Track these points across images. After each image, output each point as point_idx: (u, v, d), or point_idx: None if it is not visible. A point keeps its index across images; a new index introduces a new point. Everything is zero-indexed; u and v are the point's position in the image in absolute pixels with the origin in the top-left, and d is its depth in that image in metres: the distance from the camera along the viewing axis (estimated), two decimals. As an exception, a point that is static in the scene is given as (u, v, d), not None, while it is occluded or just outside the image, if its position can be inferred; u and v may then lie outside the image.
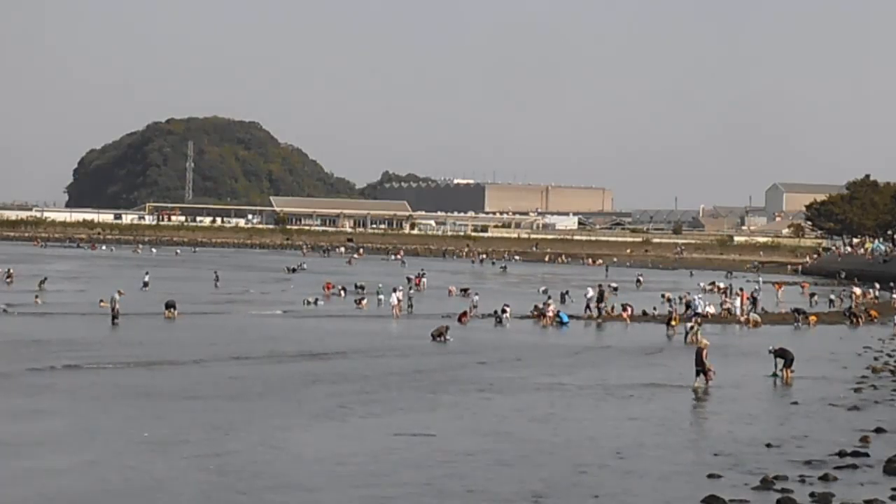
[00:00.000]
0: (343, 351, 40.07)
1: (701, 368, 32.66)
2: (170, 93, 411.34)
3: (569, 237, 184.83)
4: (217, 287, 73.28)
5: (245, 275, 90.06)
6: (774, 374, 35.37)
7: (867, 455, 23.00)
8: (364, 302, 61.31)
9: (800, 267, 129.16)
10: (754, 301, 64.65)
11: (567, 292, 69.80)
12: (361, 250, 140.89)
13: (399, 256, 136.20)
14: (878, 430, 25.86)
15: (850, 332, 54.89)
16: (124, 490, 19.16)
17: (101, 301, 53.85)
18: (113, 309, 47.89)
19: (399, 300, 57.97)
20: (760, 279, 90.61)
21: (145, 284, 69.01)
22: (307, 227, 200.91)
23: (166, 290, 64.75)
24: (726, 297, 67.78)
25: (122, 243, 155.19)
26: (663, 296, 69.18)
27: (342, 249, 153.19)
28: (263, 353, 38.58)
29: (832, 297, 70.76)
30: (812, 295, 75.13)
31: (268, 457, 21.80)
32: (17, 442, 22.68)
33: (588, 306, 58.63)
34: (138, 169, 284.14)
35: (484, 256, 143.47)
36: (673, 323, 51.29)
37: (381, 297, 62.66)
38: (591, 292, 61.79)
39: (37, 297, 58.46)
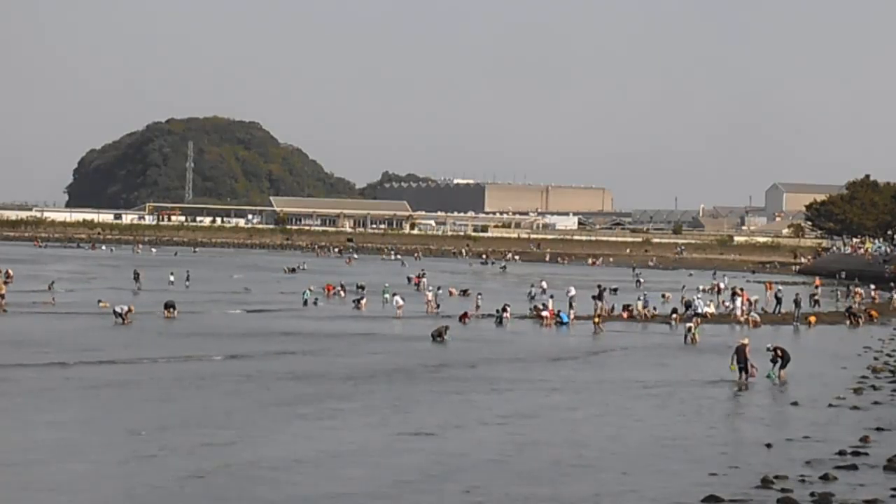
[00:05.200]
0: (342, 351, 40.10)
1: (743, 366, 33.61)
2: (170, 93, 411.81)
3: (569, 237, 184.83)
4: (187, 287, 71.91)
5: (244, 275, 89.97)
6: (774, 360, 35.24)
7: (867, 455, 23.02)
8: (363, 302, 61.20)
9: (797, 267, 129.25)
10: (778, 300, 64.36)
11: (532, 286, 71.22)
12: (356, 255, 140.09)
13: (417, 257, 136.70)
14: (878, 430, 25.88)
15: (850, 332, 54.88)
16: (120, 492, 19.21)
17: (101, 301, 53.85)
18: (122, 316, 47.79)
19: (401, 302, 57.68)
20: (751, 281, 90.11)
21: (170, 283, 73.29)
22: (307, 227, 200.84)
23: (166, 290, 64.73)
24: (722, 297, 67.80)
25: (122, 243, 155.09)
26: (663, 295, 69.32)
27: (338, 249, 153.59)
28: (262, 352, 38.63)
29: (817, 297, 70.21)
30: (812, 295, 74.99)
31: (267, 458, 21.81)
32: (19, 442, 22.71)
33: (571, 305, 58.27)
34: (138, 169, 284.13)
35: (486, 257, 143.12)
36: (596, 320, 50.98)
37: (387, 296, 62.81)
38: (573, 290, 62.09)
39: (52, 297, 58.38)
